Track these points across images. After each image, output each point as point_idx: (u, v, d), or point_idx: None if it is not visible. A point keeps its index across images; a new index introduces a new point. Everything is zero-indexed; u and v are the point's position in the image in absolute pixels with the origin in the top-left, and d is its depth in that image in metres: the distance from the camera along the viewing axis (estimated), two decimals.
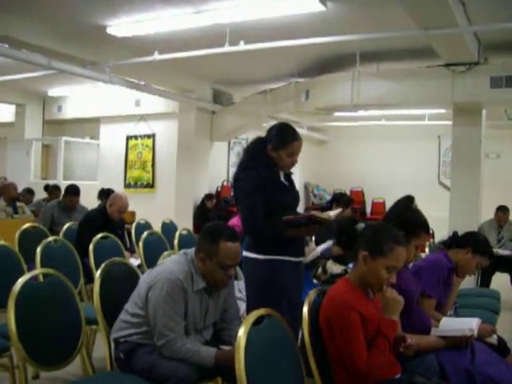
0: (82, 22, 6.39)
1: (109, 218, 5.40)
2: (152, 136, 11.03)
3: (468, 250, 3.45)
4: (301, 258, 3.23)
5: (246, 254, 3.12)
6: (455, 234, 3.64)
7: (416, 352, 2.50)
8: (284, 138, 3.18)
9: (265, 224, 3.04)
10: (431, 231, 3.92)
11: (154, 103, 10.50)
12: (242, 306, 3.62)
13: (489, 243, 3.71)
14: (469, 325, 2.82)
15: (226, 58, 7.12)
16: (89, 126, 12.17)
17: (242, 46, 6.31)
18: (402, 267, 2.45)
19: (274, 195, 3.09)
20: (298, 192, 3.40)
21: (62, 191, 6.98)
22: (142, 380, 2.51)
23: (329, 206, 5.16)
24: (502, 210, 7.35)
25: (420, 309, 2.90)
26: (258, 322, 2.04)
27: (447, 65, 7.16)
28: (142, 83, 8.70)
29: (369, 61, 7.66)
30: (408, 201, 3.22)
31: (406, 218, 2.85)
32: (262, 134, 3.31)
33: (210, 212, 9.40)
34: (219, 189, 10.52)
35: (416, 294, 2.82)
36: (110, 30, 6.52)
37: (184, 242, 5.48)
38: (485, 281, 6.96)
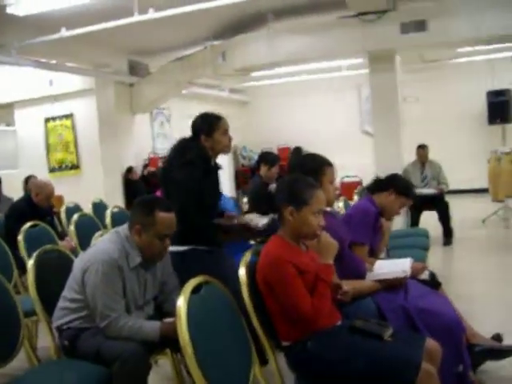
0: None
1: (36, 206, 5.25)
2: (70, 116, 10.70)
3: (391, 192, 3.57)
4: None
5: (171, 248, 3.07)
6: (377, 178, 3.77)
7: (353, 298, 2.60)
8: (211, 121, 3.32)
9: (201, 221, 3.16)
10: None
11: (68, 81, 10.13)
12: None
13: (410, 183, 3.85)
14: (402, 266, 2.95)
15: (137, 28, 6.92)
16: (2, 112, 11.64)
17: (152, 14, 6.16)
18: (326, 209, 2.55)
19: (207, 188, 3.23)
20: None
21: None
22: (90, 363, 2.50)
23: (256, 167, 5.21)
24: (421, 147, 7.69)
25: (353, 254, 2.99)
26: (196, 290, 2.06)
27: (358, 14, 7.26)
28: (53, 62, 8.37)
29: (282, 17, 7.67)
30: (298, 151, 3.34)
31: (306, 164, 2.90)
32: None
33: (137, 184, 9.29)
34: (146, 161, 10.37)
35: (347, 239, 2.91)
36: (10, 10, 6.18)
37: (117, 220, 5.40)
38: (414, 221, 7.27)
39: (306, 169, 2.78)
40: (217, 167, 3.44)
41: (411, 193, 3.73)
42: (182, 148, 3.33)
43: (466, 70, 11.77)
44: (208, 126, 3.29)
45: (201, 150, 3.27)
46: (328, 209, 2.85)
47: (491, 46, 9.71)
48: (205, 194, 3.20)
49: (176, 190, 3.16)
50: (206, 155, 3.29)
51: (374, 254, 3.39)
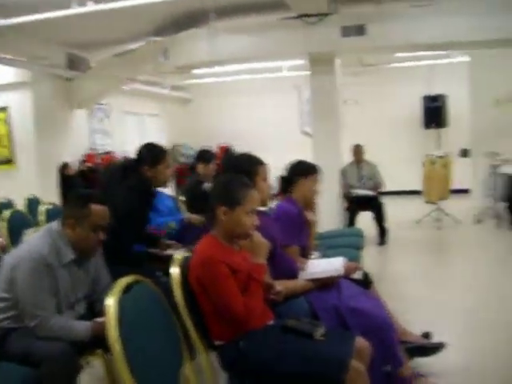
0: None
1: None
2: (5, 108, 10.33)
3: (301, 179, 3.56)
4: None
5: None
6: (281, 176, 3.69)
7: (286, 297, 2.62)
8: (156, 154, 3.54)
9: (130, 246, 3.42)
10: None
11: (2, 73, 9.77)
12: None
13: (305, 162, 3.78)
14: (334, 265, 3.00)
15: (76, 20, 6.76)
16: None
17: (90, 7, 6.03)
18: (260, 209, 2.58)
19: (143, 216, 3.53)
20: None
21: None
22: (17, 365, 2.42)
23: (194, 165, 5.22)
24: (356, 146, 7.91)
25: (285, 253, 3.01)
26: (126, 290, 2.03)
27: (300, 16, 7.33)
28: None
29: (224, 16, 7.65)
30: (230, 152, 3.40)
31: (239, 164, 2.91)
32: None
33: (73, 180, 9.07)
34: (84, 158, 10.14)
35: (279, 239, 2.93)
36: None
37: (51, 217, 5.26)
38: (350, 221, 7.42)
39: (240, 169, 2.79)
40: (153, 195, 3.60)
41: (316, 167, 3.71)
42: (125, 170, 3.52)
43: (403, 75, 12.07)
44: (152, 157, 3.48)
45: (142, 178, 3.44)
46: (262, 208, 2.87)
47: (428, 53, 10.01)
48: (140, 221, 3.44)
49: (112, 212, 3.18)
50: (147, 184, 3.47)
51: (305, 252, 3.42)
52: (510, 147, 8.37)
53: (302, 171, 3.60)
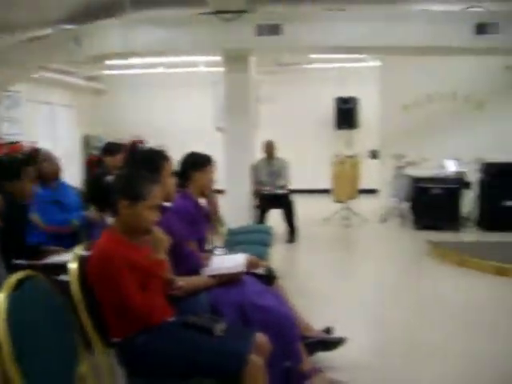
0: None
1: None
2: None
3: (196, 173, 3.51)
4: None
5: None
6: (175, 172, 3.68)
7: (188, 293, 2.62)
8: (18, 167, 3.48)
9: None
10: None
11: None
12: None
13: (198, 153, 3.71)
14: (237, 262, 3.04)
15: None
16: None
17: None
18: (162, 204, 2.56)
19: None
20: None
21: None
22: None
23: (101, 157, 5.14)
24: (267, 142, 8.01)
25: (188, 249, 3.01)
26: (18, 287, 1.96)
27: (217, 12, 7.31)
28: None
29: (140, 7, 7.53)
30: (136, 147, 3.34)
31: (145, 159, 2.88)
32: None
33: None
34: None
35: (182, 235, 2.92)
36: None
37: None
38: (260, 218, 7.50)
39: (145, 163, 2.76)
40: (21, 209, 3.53)
41: (210, 158, 3.67)
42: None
43: (318, 76, 12.36)
44: (11, 171, 3.44)
45: (4, 194, 3.32)
46: (166, 203, 2.85)
47: (342, 55, 10.29)
48: (11, 237, 3.26)
49: None
50: (11, 199, 3.36)
51: (203, 245, 3.42)
52: (415, 150, 8.74)
53: (195, 164, 3.54)
